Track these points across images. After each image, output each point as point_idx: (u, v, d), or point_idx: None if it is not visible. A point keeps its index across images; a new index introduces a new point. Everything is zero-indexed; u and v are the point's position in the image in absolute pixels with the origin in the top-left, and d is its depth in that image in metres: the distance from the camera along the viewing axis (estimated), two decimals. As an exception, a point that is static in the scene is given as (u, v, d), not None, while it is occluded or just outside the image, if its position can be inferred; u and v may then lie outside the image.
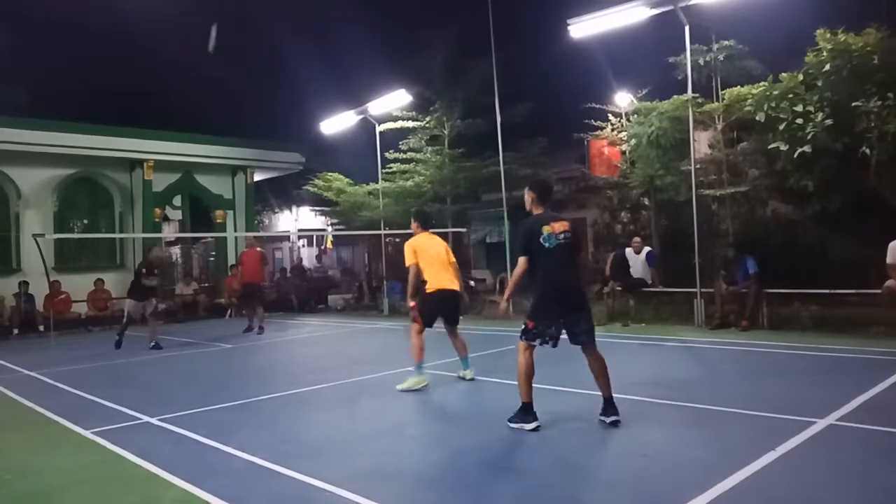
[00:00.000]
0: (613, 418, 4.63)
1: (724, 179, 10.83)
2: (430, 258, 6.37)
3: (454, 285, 6.38)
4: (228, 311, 15.89)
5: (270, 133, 21.21)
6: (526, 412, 4.63)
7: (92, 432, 5.14)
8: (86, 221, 16.85)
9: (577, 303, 4.66)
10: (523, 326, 4.69)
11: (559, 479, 3.75)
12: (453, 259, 6.54)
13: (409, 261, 6.39)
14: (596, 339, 4.72)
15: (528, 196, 4.85)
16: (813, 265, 9.43)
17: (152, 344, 10.25)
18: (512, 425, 4.65)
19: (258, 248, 12.97)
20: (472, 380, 6.52)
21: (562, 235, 4.62)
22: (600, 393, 4.72)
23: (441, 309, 6.40)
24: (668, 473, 3.76)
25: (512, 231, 12.37)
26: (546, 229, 4.60)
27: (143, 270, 10.49)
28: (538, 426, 4.60)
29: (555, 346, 4.68)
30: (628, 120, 12.74)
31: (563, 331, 4.66)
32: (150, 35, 23.49)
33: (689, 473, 3.72)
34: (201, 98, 24.08)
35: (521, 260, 4.65)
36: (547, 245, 4.58)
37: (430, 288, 6.33)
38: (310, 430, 5.17)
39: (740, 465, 3.70)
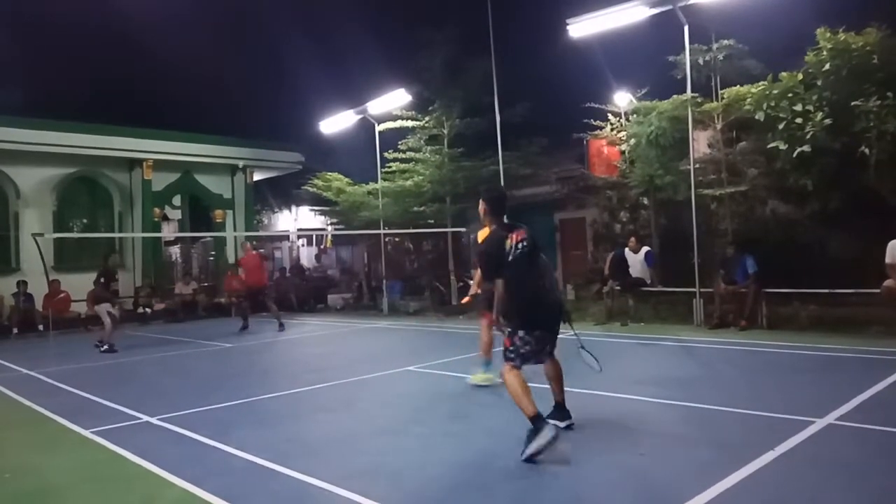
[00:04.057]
0: (568, 422, 4.56)
1: (723, 179, 10.83)
2: None
3: None
4: (231, 310, 15.91)
5: (270, 132, 21.20)
6: (536, 422, 4.02)
7: (91, 431, 5.14)
8: (85, 221, 16.88)
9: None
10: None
11: (558, 479, 3.76)
12: None
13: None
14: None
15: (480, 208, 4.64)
16: (812, 265, 9.43)
17: (104, 347, 10.00)
18: (530, 451, 3.93)
19: (255, 251, 12.93)
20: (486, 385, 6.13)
21: (520, 245, 4.31)
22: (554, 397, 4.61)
23: None
24: (666, 473, 3.78)
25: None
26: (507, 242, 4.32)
27: (103, 280, 10.41)
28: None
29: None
30: (627, 119, 12.73)
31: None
32: (149, 34, 23.51)
33: (687, 473, 3.73)
34: (201, 97, 24.08)
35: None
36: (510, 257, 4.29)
37: None
38: (310, 429, 5.17)
39: (739, 464, 3.71)
